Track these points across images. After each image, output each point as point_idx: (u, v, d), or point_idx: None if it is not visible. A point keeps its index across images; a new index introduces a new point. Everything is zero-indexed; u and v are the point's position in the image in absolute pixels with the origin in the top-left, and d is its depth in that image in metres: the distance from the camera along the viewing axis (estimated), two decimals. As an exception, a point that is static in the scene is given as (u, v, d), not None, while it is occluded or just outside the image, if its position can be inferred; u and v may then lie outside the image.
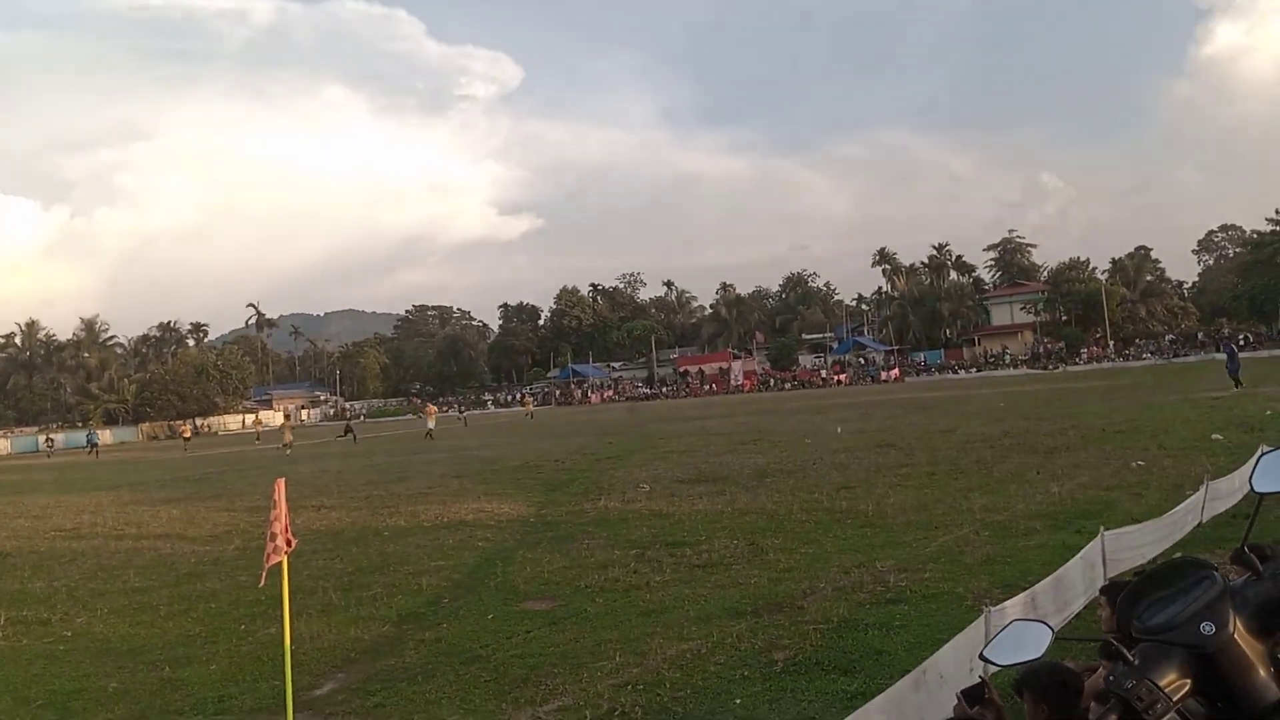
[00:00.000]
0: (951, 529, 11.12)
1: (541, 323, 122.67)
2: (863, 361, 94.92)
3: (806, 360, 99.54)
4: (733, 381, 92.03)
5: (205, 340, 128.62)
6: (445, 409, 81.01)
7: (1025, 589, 6.79)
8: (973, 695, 3.94)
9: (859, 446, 22.19)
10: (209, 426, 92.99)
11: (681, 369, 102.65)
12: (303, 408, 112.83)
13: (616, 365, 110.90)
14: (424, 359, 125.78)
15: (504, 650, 7.61)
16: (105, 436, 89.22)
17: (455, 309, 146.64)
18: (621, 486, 17.80)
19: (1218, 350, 75.05)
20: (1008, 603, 6.23)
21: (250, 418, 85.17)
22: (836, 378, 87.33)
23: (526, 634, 8.05)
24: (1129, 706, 1.75)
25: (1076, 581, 7.41)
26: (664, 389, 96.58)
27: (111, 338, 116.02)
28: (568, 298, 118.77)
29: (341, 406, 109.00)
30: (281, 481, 5.34)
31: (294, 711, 6.47)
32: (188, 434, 61.70)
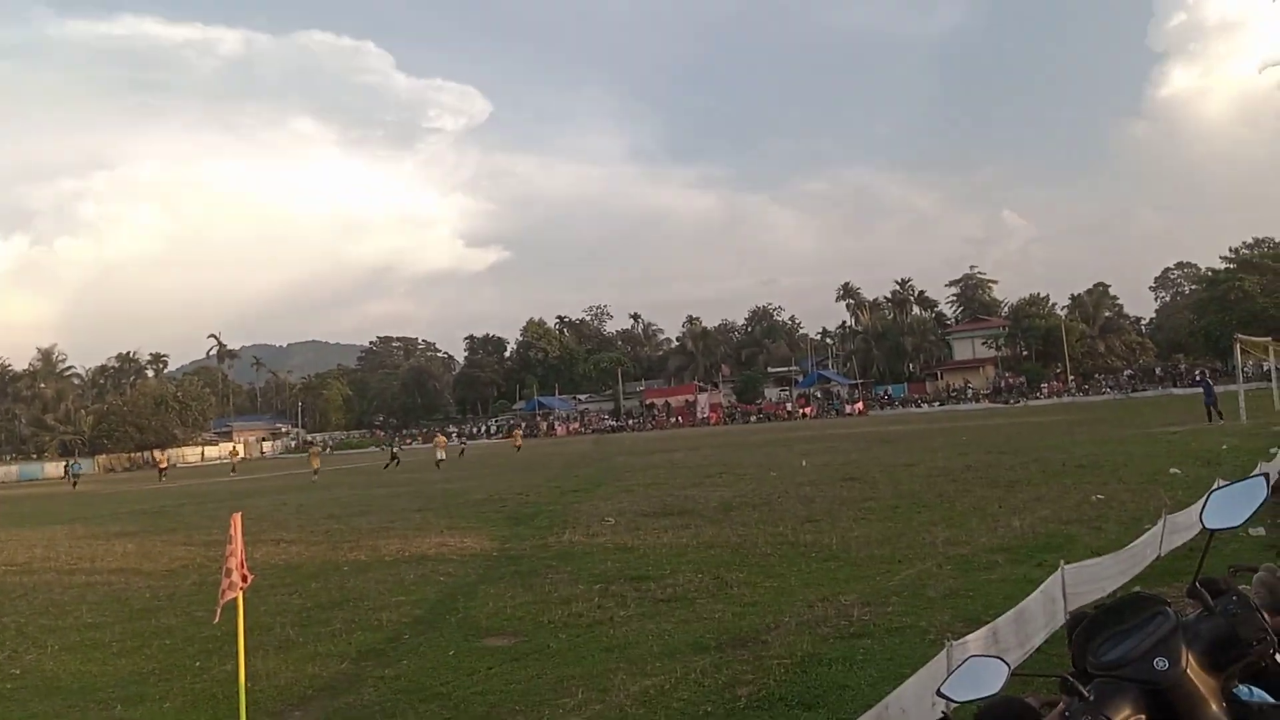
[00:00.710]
0: (915, 562, 11.16)
1: (508, 355, 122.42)
2: (828, 395, 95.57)
3: (772, 393, 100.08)
4: (699, 414, 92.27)
5: (165, 371, 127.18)
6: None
7: (987, 623, 6.81)
8: None
9: (824, 480, 22.26)
10: (168, 459, 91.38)
11: (648, 401, 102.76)
12: (263, 439, 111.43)
13: (583, 398, 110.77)
14: (388, 390, 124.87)
15: (465, 687, 7.49)
16: (59, 469, 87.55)
17: (420, 340, 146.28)
18: (586, 520, 17.69)
19: (1174, 385, 76.73)
20: (969, 637, 6.25)
21: (227, 447, 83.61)
22: (802, 411, 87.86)
23: (488, 670, 7.94)
24: None
25: (1037, 615, 7.44)
26: (630, 421, 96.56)
27: (69, 368, 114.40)
28: (534, 330, 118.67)
29: (304, 439, 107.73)
30: (238, 516, 5.25)
31: (248, 752, 6.33)
32: (164, 464, 60.17)
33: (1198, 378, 58.15)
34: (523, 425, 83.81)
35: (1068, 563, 8.15)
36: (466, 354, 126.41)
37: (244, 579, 5.29)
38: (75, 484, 53.28)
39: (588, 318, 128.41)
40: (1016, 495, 16.60)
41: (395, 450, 50.43)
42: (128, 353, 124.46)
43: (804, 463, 27.95)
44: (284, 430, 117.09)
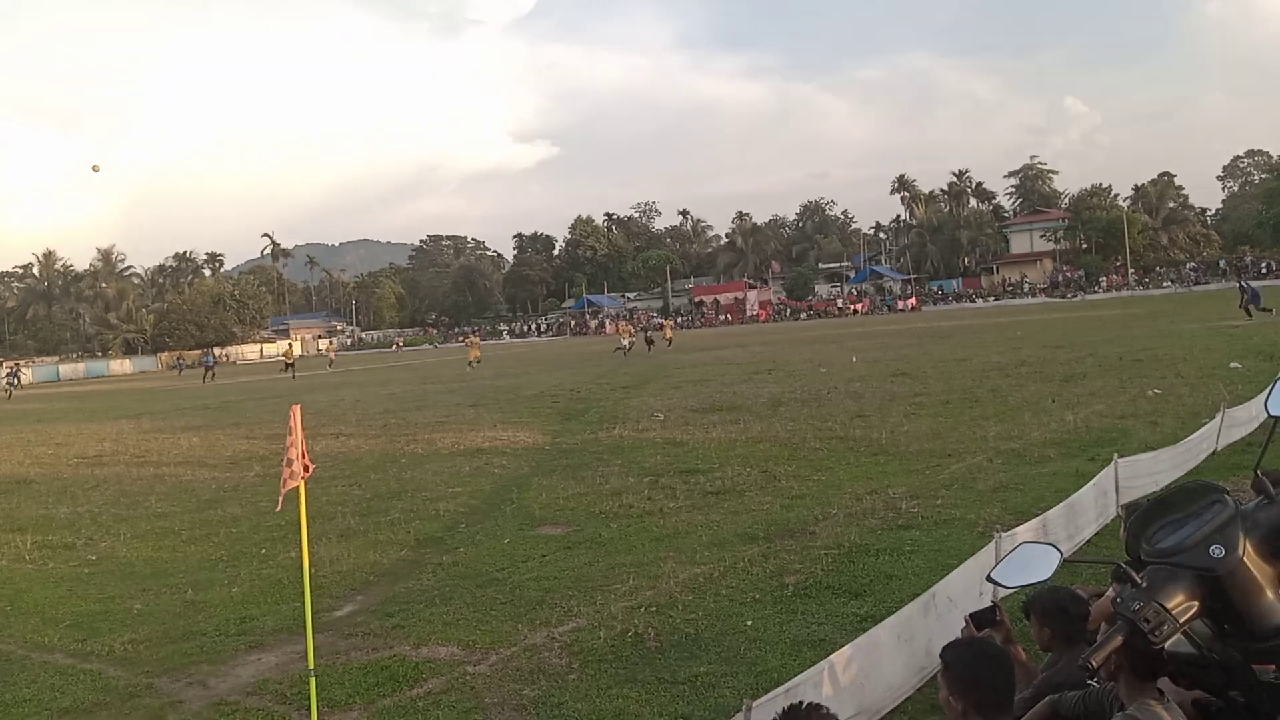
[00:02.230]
0: (965, 457, 11.14)
1: (556, 253, 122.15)
2: (880, 291, 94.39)
3: (823, 290, 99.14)
4: (748, 311, 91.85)
5: (221, 270, 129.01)
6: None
7: (1037, 515, 6.82)
8: (982, 618, 3.97)
9: (874, 375, 22.17)
10: (227, 356, 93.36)
11: (697, 299, 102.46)
12: (319, 337, 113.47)
13: (631, 295, 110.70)
14: (439, 289, 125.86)
15: (520, 573, 7.73)
16: (126, 366, 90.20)
17: (470, 239, 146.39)
18: (636, 415, 17.89)
19: (1239, 279, 74.38)
20: (1018, 529, 6.27)
21: (283, 345, 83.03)
22: (853, 307, 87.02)
23: (542, 558, 8.17)
24: (1136, 628, 1.75)
25: (1089, 508, 7.43)
26: (679, 319, 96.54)
27: (128, 268, 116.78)
28: (582, 227, 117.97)
29: (358, 336, 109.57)
30: (296, 408, 5.35)
31: (315, 632, 6.62)
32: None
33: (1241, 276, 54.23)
34: (476, 333, 76.93)
35: (1121, 456, 8.07)
36: (515, 252, 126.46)
37: (305, 468, 5.42)
38: (210, 377, 50.63)
39: (636, 214, 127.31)
40: (1071, 390, 16.40)
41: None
42: (185, 252, 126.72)
43: (854, 359, 27.82)
44: (339, 328, 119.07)
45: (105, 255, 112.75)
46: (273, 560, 8.94)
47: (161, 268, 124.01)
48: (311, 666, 5.26)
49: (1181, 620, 1.75)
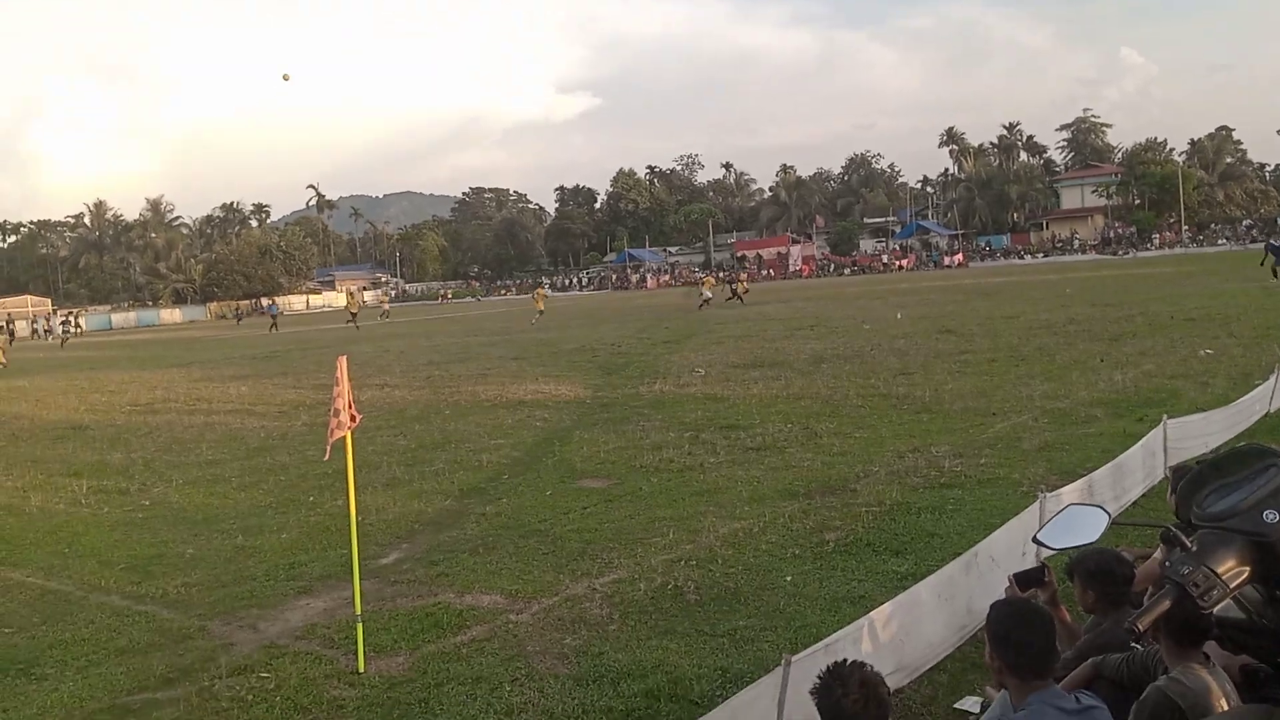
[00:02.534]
0: (1010, 416, 11.03)
1: (598, 206, 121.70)
2: (926, 246, 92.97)
3: (867, 245, 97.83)
4: (791, 267, 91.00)
5: (268, 221, 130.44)
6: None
7: (1083, 476, 6.74)
8: (1027, 578, 3.94)
9: (919, 333, 21.94)
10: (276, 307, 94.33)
11: (739, 254, 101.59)
12: (364, 288, 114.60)
13: (673, 250, 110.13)
14: (481, 242, 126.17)
15: (561, 525, 7.82)
16: (175, 315, 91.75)
17: (512, 192, 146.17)
18: (677, 370, 17.90)
19: (1269, 240, 72.28)
20: (1064, 489, 6.20)
21: (331, 295, 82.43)
22: (898, 263, 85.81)
23: (583, 510, 8.25)
24: (1185, 592, 1.73)
25: (1136, 469, 7.33)
26: (721, 274, 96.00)
27: (177, 218, 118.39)
28: (624, 180, 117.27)
29: (402, 288, 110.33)
30: (343, 359, 5.43)
31: (361, 579, 6.78)
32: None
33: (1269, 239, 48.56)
34: (545, 284, 77.21)
35: (1171, 417, 7.94)
36: (557, 205, 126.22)
37: (352, 418, 5.50)
38: (274, 327, 50.62)
39: (678, 167, 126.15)
40: (1120, 349, 16.11)
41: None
42: (232, 203, 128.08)
43: (899, 315, 27.54)
44: (383, 279, 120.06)
45: (154, 205, 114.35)
46: (320, 508, 9.13)
47: (209, 218, 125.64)
48: (359, 612, 5.39)
49: (1232, 586, 1.72)
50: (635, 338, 27.42)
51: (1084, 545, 2.36)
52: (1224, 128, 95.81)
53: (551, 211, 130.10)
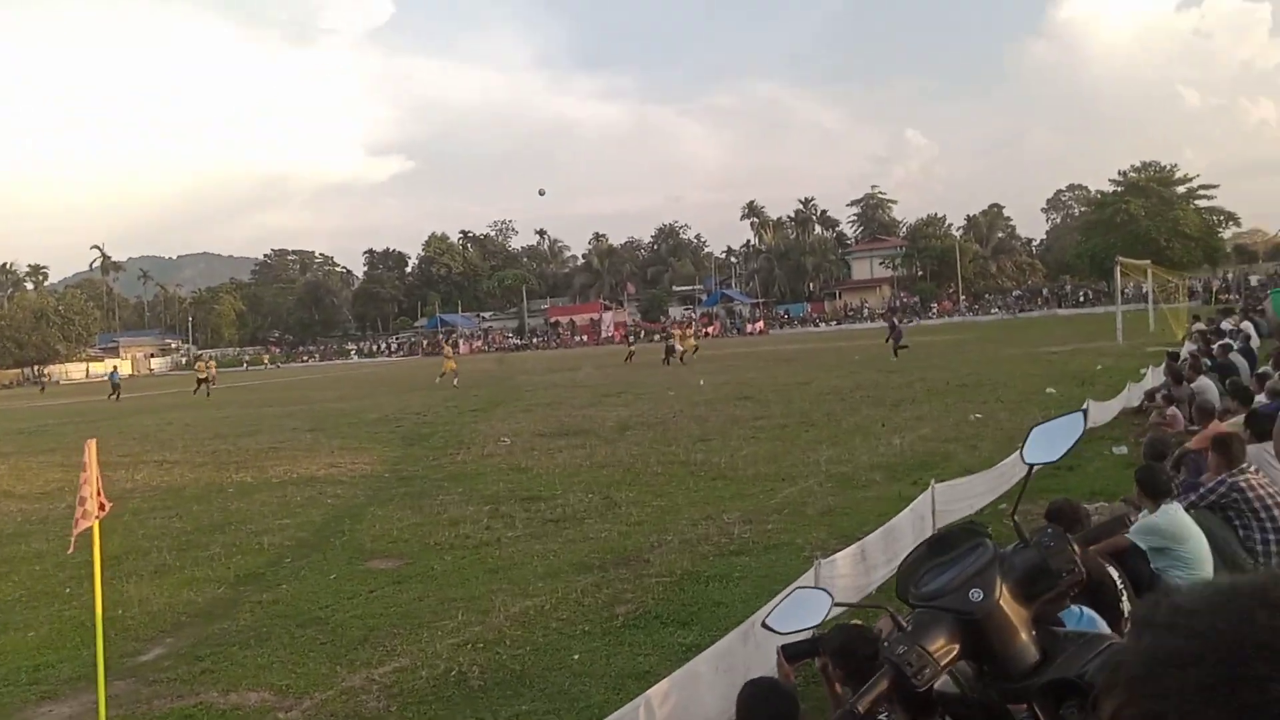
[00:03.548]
0: (798, 480, 11.47)
1: (409, 270, 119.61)
2: (730, 314, 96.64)
3: (676, 312, 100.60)
4: (604, 333, 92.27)
5: (45, 284, 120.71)
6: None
7: (858, 541, 7.05)
8: (797, 650, 4.05)
9: (720, 399, 22.61)
10: (49, 375, 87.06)
11: (553, 319, 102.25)
12: (151, 355, 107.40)
13: (487, 315, 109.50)
14: (283, 306, 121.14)
15: (344, 611, 7.44)
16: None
17: (318, 254, 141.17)
18: (482, 440, 17.62)
19: (1059, 306, 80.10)
20: (838, 555, 6.46)
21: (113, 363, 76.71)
22: (705, 330, 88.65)
23: (369, 594, 7.90)
24: (900, 671, 1.80)
25: (906, 532, 7.72)
26: (535, 340, 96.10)
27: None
28: (436, 244, 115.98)
29: (194, 355, 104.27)
30: (91, 443, 5.02)
31: (116, 679, 6.20)
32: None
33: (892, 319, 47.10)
34: (452, 340, 74.20)
35: (939, 481, 8.46)
36: (366, 269, 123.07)
37: (101, 507, 5.09)
38: (42, 390, 45.31)
39: (492, 233, 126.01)
40: (900, 414, 17.16)
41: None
42: (4, 264, 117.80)
43: (702, 382, 28.32)
44: (174, 346, 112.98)
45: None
46: (77, 600, 8.31)
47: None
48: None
49: (943, 663, 1.80)
50: (442, 406, 26.85)
51: (808, 628, 2.43)
52: (995, 205, 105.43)
53: (360, 275, 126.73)
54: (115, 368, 61.69)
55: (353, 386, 40.72)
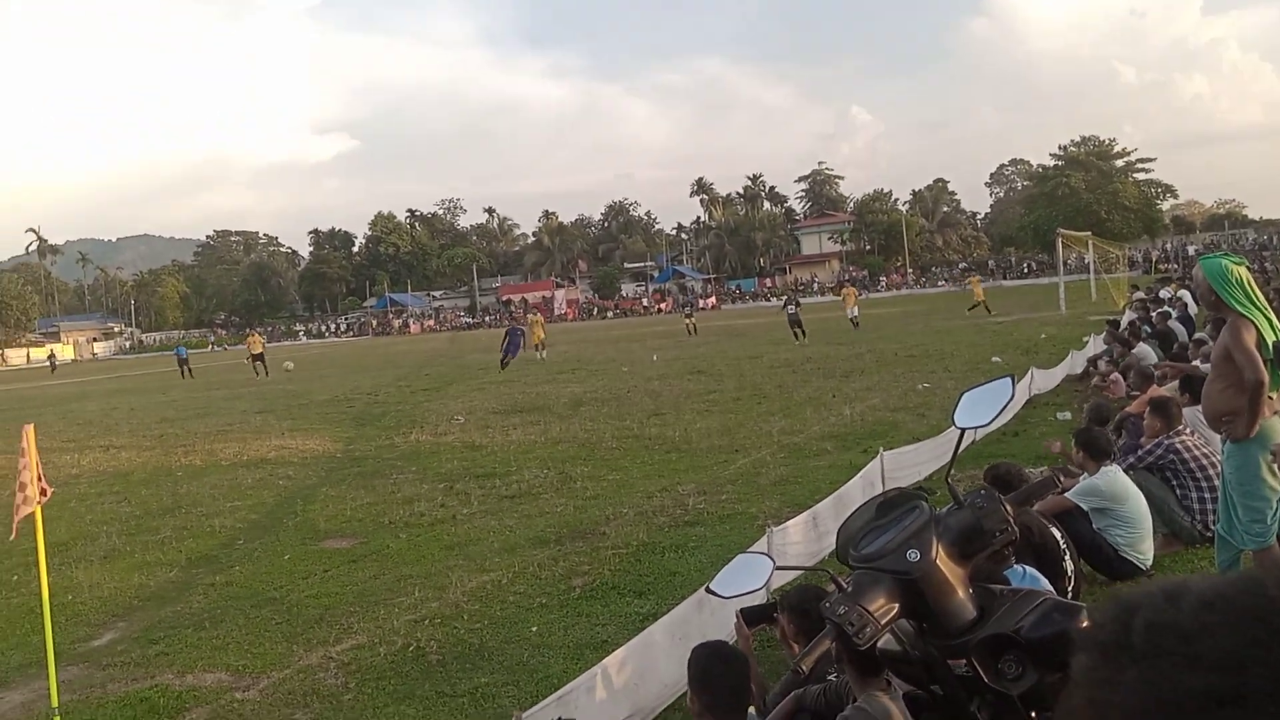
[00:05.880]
0: (751, 452, 11.59)
1: (356, 250, 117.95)
2: (682, 290, 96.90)
3: (629, 289, 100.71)
4: (556, 310, 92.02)
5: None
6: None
7: (809, 508, 7.17)
8: (755, 614, 4.13)
9: (672, 374, 22.71)
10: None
11: (504, 298, 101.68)
12: (94, 340, 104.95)
13: (437, 294, 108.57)
14: (228, 288, 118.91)
15: (299, 591, 7.40)
16: None
17: (262, 235, 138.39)
18: (435, 419, 17.53)
19: (1004, 278, 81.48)
20: (789, 522, 6.57)
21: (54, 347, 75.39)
22: (658, 306, 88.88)
23: (324, 574, 7.85)
24: (842, 630, 1.87)
25: (856, 499, 7.86)
26: (487, 318, 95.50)
27: None
28: (383, 224, 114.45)
29: (139, 338, 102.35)
30: (29, 427, 4.93)
31: (68, 664, 6.12)
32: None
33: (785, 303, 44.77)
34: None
35: (887, 449, 8.62)
36: (312, 249, 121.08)
37: (42, 492, 5.00)
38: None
39: (440, 211, 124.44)
40: (850, 385, 17.39)
41: None
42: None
43: (655, 357, 28.42)
44: (116, 330, 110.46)
45: None
46: (25, 588, 8.15)
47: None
48: (56, 705, 4.85)
49: (884, 622, 1.87)
50: (394, 386, 26.63)
51: (751, 592, 2.50)
52: (940, 179, 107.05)
53: (306, 255, 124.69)
54: (53, 352, 60.27)
55: (303, 367, 40.08)
